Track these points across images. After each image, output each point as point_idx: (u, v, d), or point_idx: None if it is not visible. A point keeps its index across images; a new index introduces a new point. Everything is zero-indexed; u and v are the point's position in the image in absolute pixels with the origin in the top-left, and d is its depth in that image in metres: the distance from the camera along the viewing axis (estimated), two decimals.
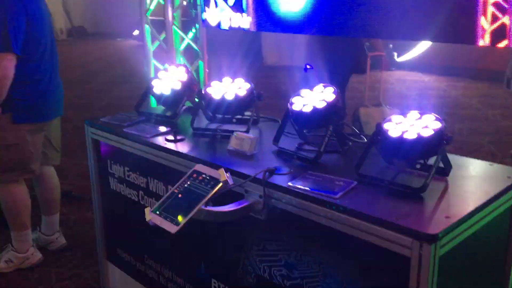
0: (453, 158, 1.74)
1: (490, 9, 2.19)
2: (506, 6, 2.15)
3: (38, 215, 3.30)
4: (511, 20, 2.15)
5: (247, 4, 3.12)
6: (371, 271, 1.50)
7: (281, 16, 3.01)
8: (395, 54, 10.21)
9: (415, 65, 9.94)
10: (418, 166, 1.72)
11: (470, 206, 1.48)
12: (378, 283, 1.48)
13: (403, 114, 1.74)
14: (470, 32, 2.29)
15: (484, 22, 2.23)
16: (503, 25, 2.18)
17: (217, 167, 1.62)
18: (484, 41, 2.25)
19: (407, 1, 2.51)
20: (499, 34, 2.20)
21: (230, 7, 3.16)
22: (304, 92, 2.01)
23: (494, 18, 2.20)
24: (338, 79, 4.85)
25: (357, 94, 6.58)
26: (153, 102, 3.27)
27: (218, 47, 3.87)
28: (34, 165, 2.96)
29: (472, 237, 1.47)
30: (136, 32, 15.01)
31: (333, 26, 2.83)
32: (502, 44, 2.23)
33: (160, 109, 2.66)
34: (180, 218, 1.46)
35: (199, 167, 1.61)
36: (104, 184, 2.57)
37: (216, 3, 3.19)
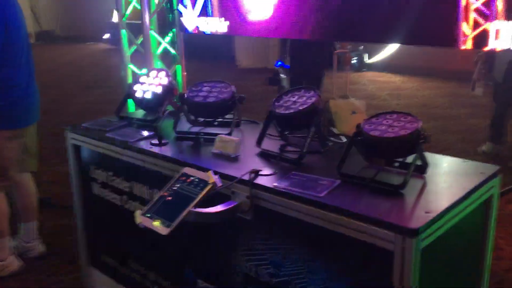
0: (429, 155, 1.82)
1: (472, 16, 2.30)
2: (488, 13, 2.26)
3: (17, 222, 3.26)
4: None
5: (221, 8, 3.17)
6: (356, 266, 1.56)
7: (252, 21, 3.07)
8: (366, 55, 10.41)
9: (386, 66, 10.17)
10: (396, 164, 1.80)
11: (448, 201, 1.56)
12: (363, 277, 1.54)
13: (380, 115, 1.82)
14: (443, 36, 2.40)
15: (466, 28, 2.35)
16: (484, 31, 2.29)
17: (203, 169, 1.66)
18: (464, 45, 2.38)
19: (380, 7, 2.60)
20: (479, 39, 2.32)
21: (206, 12, 3.20)
22: (285, 95, 2.07)
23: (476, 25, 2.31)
24: (313, 77, 5.30)
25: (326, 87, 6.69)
26: (130, 107, 3.28)
27: (191, 50, 3.90)
28: (12, 172, 2.93)
29: (450, 230, 1.55)
30: (106, 36, 14.86)
31: (304, 30, 2.91)
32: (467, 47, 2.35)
33: (140, 113, 2.67)
34: (170, 220, 1.49)
35: (187, 170, 1.64)
36: (86, 190, 2.56)
37: (193, 8, 3.23)
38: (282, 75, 6.13)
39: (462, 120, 6.57)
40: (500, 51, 3.94)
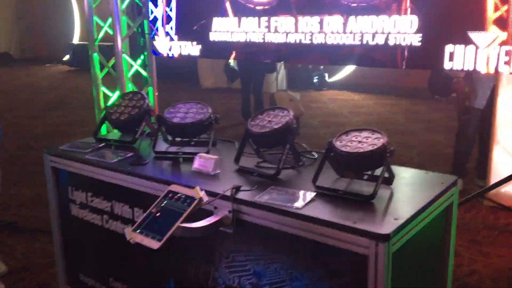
0: (394, 168, 1.99)
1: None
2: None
3: None
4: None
5: (192, 32, 3.31)
6: (334, 272, 1.69)
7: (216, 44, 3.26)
8: (326, 74, 10.76)
9: (345, 85, 10.53)
10: (365, 176, 1.95)
11: (413, 209, 1.72)
12: (341, 281, 1.67)
13: (350, 131, 1.98)
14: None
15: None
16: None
17: (185, 186, 1.76)
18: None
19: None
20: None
21: (178, 36, 3.32)
22: (260, 114, 2.20)
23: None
24: (256, 81, 7.51)
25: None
26: (103, 130, 3.34)
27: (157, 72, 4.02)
28: None
29: (417, 235, 1.71)
30: (66, 57, 14.69)
31: (264, 53, 3.13)
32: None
33: (117, 135, 2.75)
34: (160, 234, 1.58)
35: (173, 187, 1.74)
36: (64, 212, 2.60)
37: (166, 32, 3.35)
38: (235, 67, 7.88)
39: (417, 135, 6.91)
40: (481, 76, 4.07)
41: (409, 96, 9.26)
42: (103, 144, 2.59)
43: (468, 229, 3.78)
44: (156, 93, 3.72)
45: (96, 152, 2.46)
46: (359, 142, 1.90)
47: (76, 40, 15.27)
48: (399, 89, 9.43)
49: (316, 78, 10.52)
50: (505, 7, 2.28)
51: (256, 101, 7.47)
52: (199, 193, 1.66)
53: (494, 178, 3.99)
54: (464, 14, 2.42)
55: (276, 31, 3.01)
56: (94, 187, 2.40)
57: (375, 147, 1.85)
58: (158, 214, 1.66)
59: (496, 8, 2.32)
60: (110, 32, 3.41)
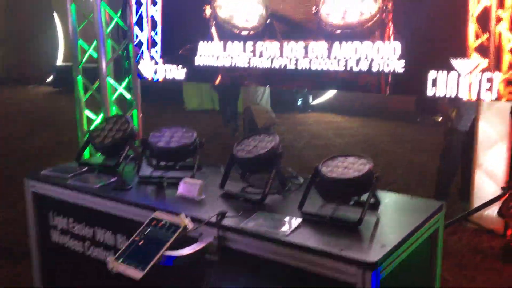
0: (380, 193, 1.99)
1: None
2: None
3: None
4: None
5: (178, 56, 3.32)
6: None
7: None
8: (310, 97, 10.84)
9: (329, 107, 10.61)
10: (351, 202, 1.95)
11: (400, 235, 1.72)
12: None
13: (336, 157, 1.98)
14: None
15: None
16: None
17: (170, 213, 1.73)
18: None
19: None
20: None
21: (163, 59, 3.32)
22: (246, 139, 2.20)
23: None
24: (234, 97, 8.31)
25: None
26: (86, 153, 3.29)
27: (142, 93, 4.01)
28: None
29: (404, 261, 1.70)
30: (50, 78, 14.59)
31: (249, 77, 3.16)
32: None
33: (100, 159, 2.71)
34: (144, 263, 1.54)
35: (157, 214, 1.70)
36: (44, 237, 2.53)
37: (151, 56, 3.35)
38: None
39: (401, 157, 6.96)
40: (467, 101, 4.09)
41: (393, 118, 9.35)
42: (86, 168, 2.54)
43: (453, 253, 3.78)
44: (141, 115, 3.70)
45: (78, 177, 2.41)
46: (345, 167, 1.90)
47: (60, 61, 15.20)
48: (384, 112, 9.53)
49: (300, 100, 10.59)
50: (486, 35, 2.33)
51: (231, 113, 8.45)
52: (184, 221, 1.63)
53: (477, 201, 4.02)
54: (446, 41, 2.46)
55: (261, 55, 3.03)
56: (76, 212, 2.35)
57: (361, 173, 1.84)
58: (141, 243, 1.63)
59: (477, 36, 2.37)
60: (95, 55, 3.39)
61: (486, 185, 4.12)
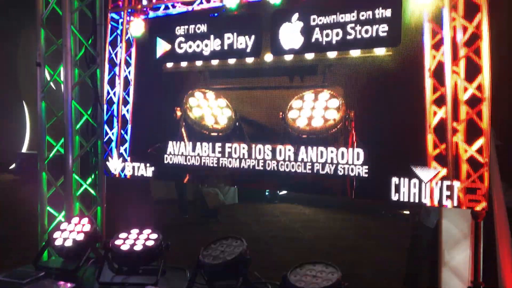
0: None
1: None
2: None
3: None
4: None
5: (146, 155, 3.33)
6: None
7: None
8: None
9: (296, 198, 10.68)
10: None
11: None
12: None
13: (304, 264, 1.96)
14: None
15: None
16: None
17: None
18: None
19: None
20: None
21: (131, 157, 3.33)
22: (214, 243, 2.17)
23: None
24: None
25: None
26: (45, 255, 3.15)
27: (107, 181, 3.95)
28: None
29: None
30: (12, 166, 14.30)
31: (218, 177, 3.21)
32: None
33: (59, 261, 2.60)
34: None
35: None
36: None
37: (120, 153, 3.35)
38: None
39: (368, 252, 6.93)
40: None
41: (359, 211, 9.45)
42: (43, 273, 2.43)
43: None
44: (105, 205, 3.63)
45: (35, 283, 2.29)
46: (314, 276, 1.89)
47: (25, 148, 15.03)
48: (350, 204, 9.65)
49: (268, 191, 10.64)
50: (443, 146, 2.46)
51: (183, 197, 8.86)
52: None
53: None
54: (407, 149, 2.58)
55: (230, 156, 3.09)
56: None
57: (330, 283, 1.83)
58: None
59: (435, 146, 2.49)
60: (61, 151, 3.38)
61: (453, 283, 4.10)
